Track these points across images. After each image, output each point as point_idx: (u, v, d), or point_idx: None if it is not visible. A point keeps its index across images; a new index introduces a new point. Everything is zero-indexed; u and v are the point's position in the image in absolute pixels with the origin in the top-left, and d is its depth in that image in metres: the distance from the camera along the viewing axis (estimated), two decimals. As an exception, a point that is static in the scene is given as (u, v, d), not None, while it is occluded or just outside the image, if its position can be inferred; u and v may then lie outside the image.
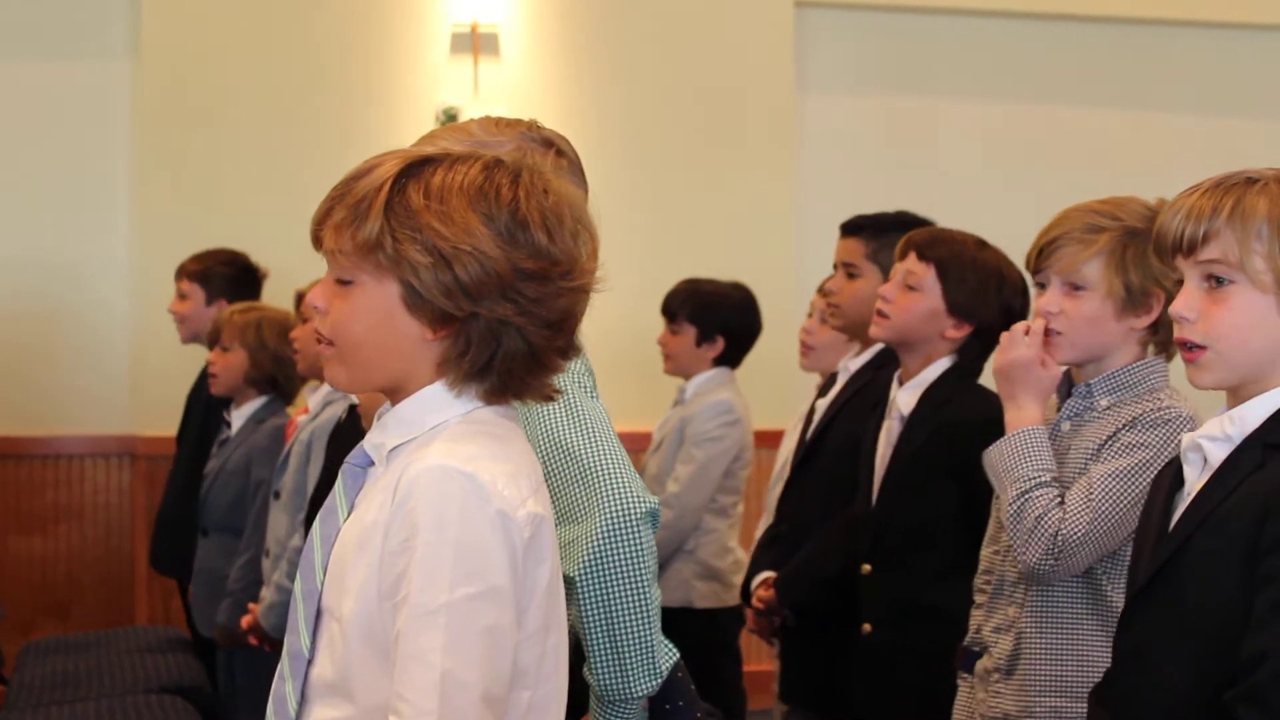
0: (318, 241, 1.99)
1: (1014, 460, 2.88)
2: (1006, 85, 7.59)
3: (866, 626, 3.60)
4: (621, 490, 2.44)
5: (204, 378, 5.60)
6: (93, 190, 6.83)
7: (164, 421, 6.19)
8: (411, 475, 1.88)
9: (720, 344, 5.20)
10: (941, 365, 3.58)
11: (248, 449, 5.01)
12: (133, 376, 6.78)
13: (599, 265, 2.00)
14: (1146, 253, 2.86)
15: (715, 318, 5.19)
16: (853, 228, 4.19)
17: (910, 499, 3.54)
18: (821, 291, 4.91)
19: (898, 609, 3.54)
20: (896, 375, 3.68)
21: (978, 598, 3.08)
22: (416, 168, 1.93)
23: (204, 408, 5.51)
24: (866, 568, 3.62)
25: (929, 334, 3.57)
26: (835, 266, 4.25)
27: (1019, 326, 3.00)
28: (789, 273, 6.22)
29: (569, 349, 2.00)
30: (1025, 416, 2.93)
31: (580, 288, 1.97)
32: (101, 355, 6.81)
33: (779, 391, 6.10)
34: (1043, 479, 2.84)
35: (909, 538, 3.53)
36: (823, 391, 4.34)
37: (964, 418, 3.40)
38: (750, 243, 6.98)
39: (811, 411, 4.31)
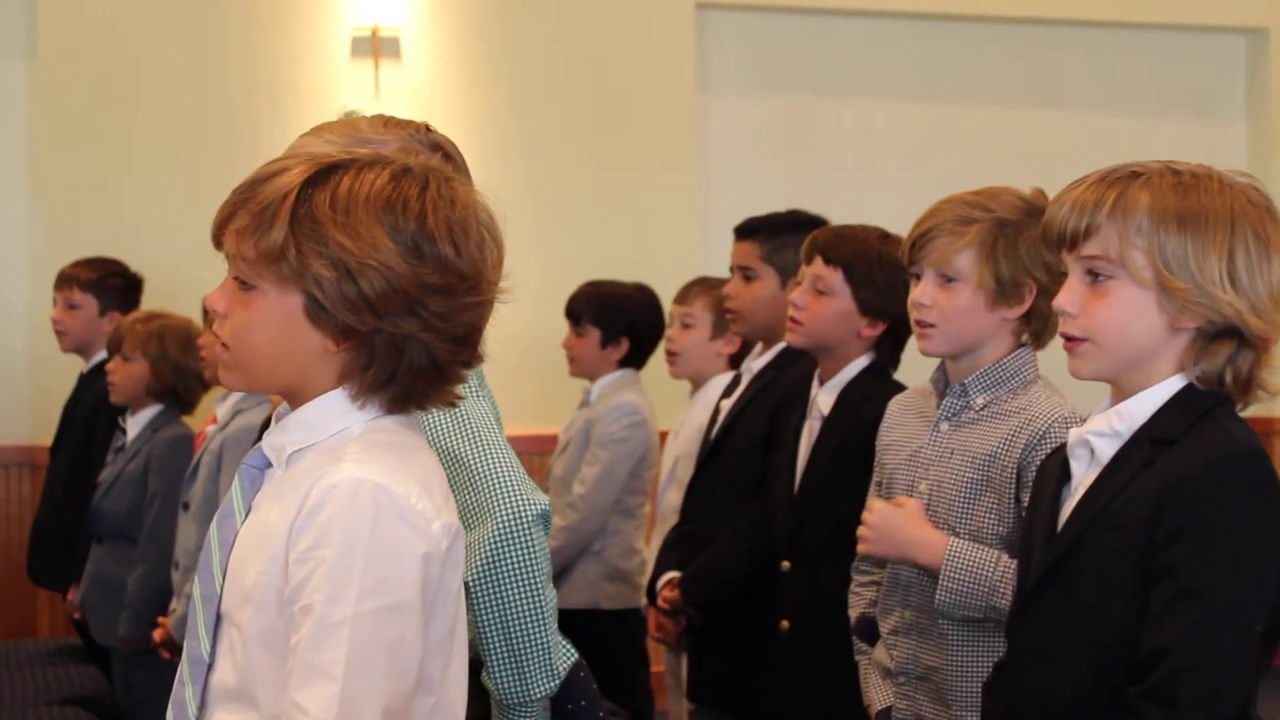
0: (218, 243, 1.95)
1: (974, 590, 2.84)
2: (907, 85, 7.65)
3: (785, 623, 3.62)
4: (512, 494, 2.45)
5: (82, 389, 5.57)
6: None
7: (65, 431, 6.11)
8: (324, 487, 1.85)
9: (625, 346, 5.21)
10: (859, 364, 3.60)
11: (145, 457, 4.96)
12: (32, 387, 6.69)
13: (504, 275, 1.98)
14: (1017, 244, 2.90)
15: (620, 320, 5.21)
16: (746, 230, 4.20)
17: (829, 497, 3.55)
18: (677, 301, 4.97)
19: (816, 606, 3.55)
20: (816, 374, 3.69)
21: (859, 577, 3.12)
22: (323, 175, 1.90)
23: (86, 419, 5.46)
24: (786, 564, 3.63)
25: (844, 336, 3.59)
26: (731, 270, 4.26)
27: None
28: (692, 273, 6.19)
29: (472, 360, 1.98)
30: (935, 545, 2.88)
31: (485, 301, 1.95)
32: (1, 366, 6.71)
33: (683, 393, 6.10)
34: (995, 591, 2.81)
35: (828, 535, 3.53)
36: (727, 393, 4.35)
37: (880, 416, 3.43)
38: (653, 243, 7.00)
39: (716, 411, 4.33)
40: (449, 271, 1.89)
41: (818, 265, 3.58)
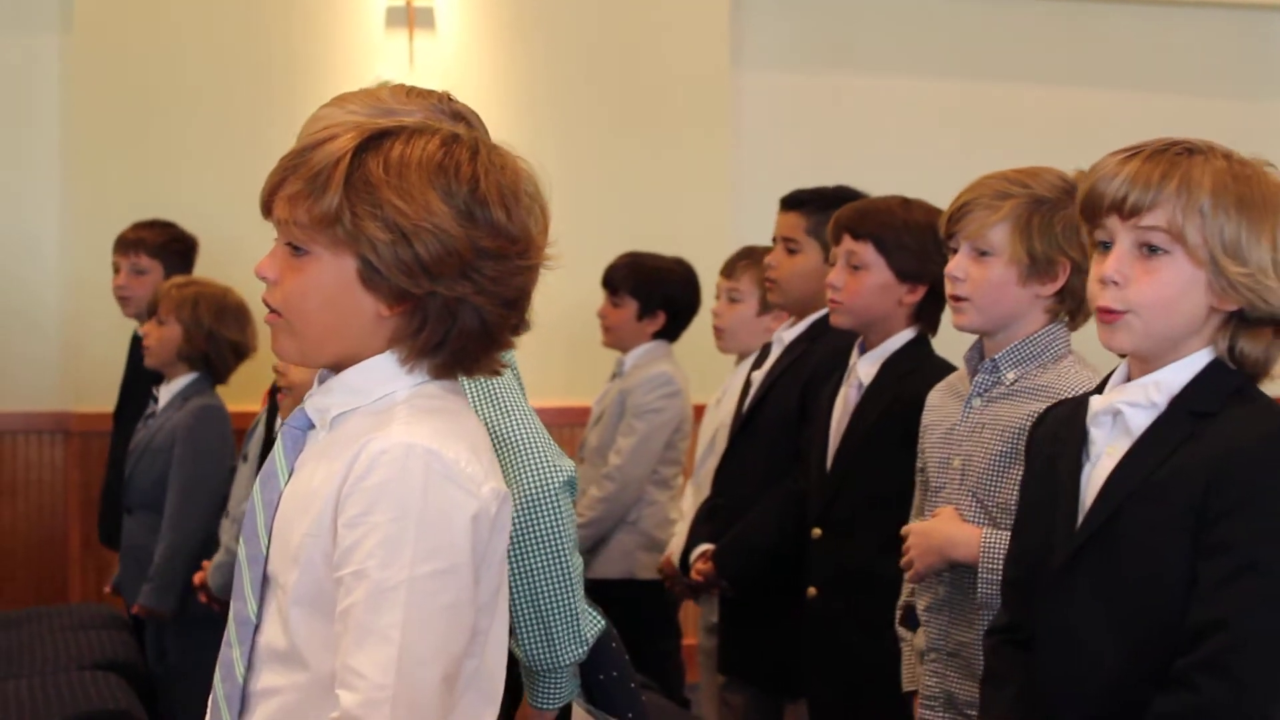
0: (267, 210, 1.95)
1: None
2: (944, 61, 7.61)
3: (812, 590, 3.62)
4: (539, 460, 2.44)
5: (137, 354, 5.55)
6: (24, 164, 6.73)
7: (97, 397, 6.14)
8: (373, 451, 1.85)
9: (661, 318, 5.21)
10: (904, 336, 3.60)
11: (172, 428, 4.96)
12: (65, 352, 6.71)
13: (550, 242, 1.99)
14: (1053, 221, 2.91)
15: (657, 292, 5.21)
16: (793, 202, 4.18)
17: (865, 468, 3.55)
18: (724, 274, 4.95)
19: (844, 575, 3.56)
20: (858, 343, 3.68)
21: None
22: (375, 140, 1.90)
23: (140, 385, 5.45)
24: (817, 532, 3.63)
25: (887, 307, 3.58)
26: (774, 240, 4.25)
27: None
28: (724, 247, 6.20)
29: (520, 325, 1.99)
30: (970, 540, 2.89)
31: (534, 265, 1.95)
32: (34, 331, 6.73)
33: (715, 365, 6.11)
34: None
35: (861, 505, 3.55)
36: (757, 363, 4.34)
37: (923, 393, 3.42)
38: (686, 216, 6.98)
39: (748, 383, 4.32)
40: (501, 235, 1.90)
41: (848, 242, 3.58)
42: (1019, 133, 7.45)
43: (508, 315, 1.94)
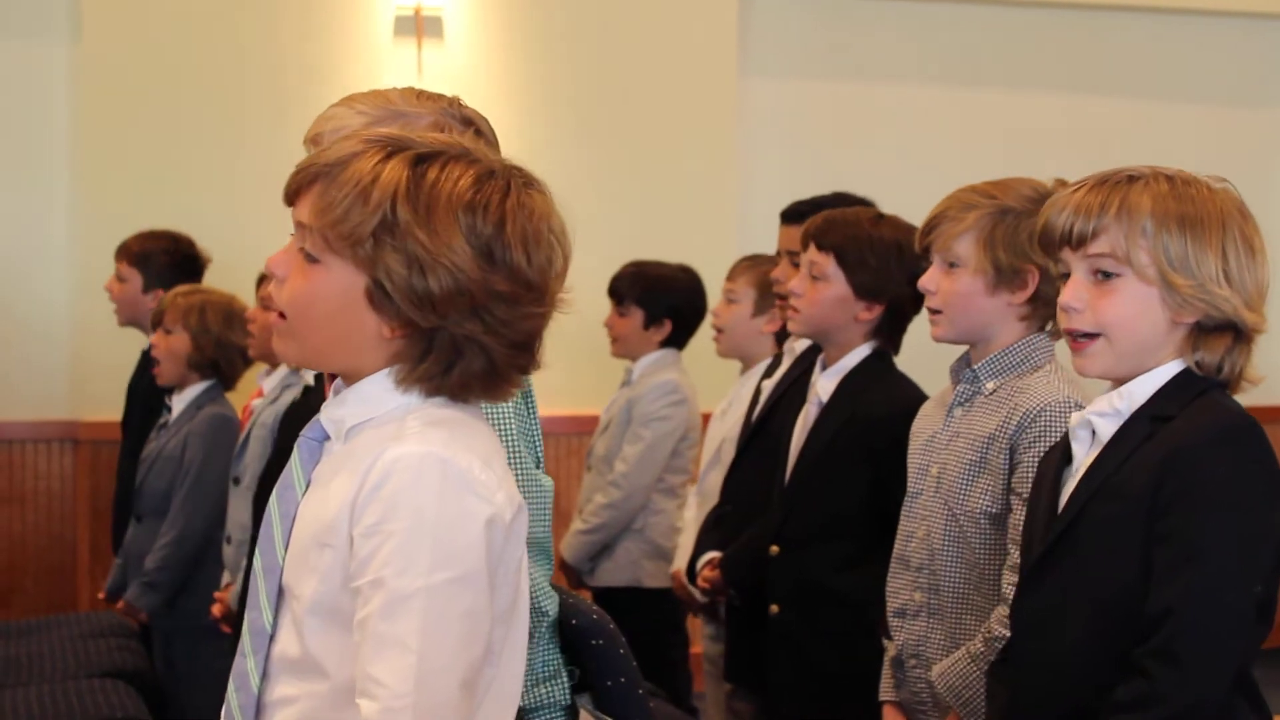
0: (290, 200, 1.95)
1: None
2: (949, 69, 7.62)
3: (774, 607, 3.64)
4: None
5: (143, 366, 5.56)
6: (32, 173, 6.76)
7: (105, 406, 6.15)
8: (387, 461, 1.85)
9: (668, 327, 5.22)
10: (861, 352, 3.61)
11: (184, 434, 4.97)
12: (74, 361, 6.73)
13: (566, 288, 1.99)
14: (1018, 230, 2.94)
15: (663, 301, 5.22)
16: (794, 215, 4.19)
17: (821, 485, 3.58)
18: (727, 278, 4.96)
19: (802, 592, 3.59)
20: (820, 359, 3.70)
21: (892, 581, 3.12)
22: (413, 168, 1.89)
23: (145, 396, 5.46)
24: (775, 549, 3.65)
25: (842, 321, 3.59)
26: (779, 254, 4.25)
27: None
28: (730, 255, 6.21)
29: (530, 365, 1.99)
30: None
31: (548, 310, 1.96)
32: (42, 340, 6.75)
33: (721, 373, 6.12)
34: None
35: (818, 523, 3.57)
36: (768, 372, 4.35)
37: (879, 409, 3.44)
38: (693, 225, 6.99)
39: (757, 393, 4.33)
40: (518, 280, 1.90)
41: (812, 252, 3.60)
42: (1027, 141, 7.45)
43: (515, 356, 1.94)
